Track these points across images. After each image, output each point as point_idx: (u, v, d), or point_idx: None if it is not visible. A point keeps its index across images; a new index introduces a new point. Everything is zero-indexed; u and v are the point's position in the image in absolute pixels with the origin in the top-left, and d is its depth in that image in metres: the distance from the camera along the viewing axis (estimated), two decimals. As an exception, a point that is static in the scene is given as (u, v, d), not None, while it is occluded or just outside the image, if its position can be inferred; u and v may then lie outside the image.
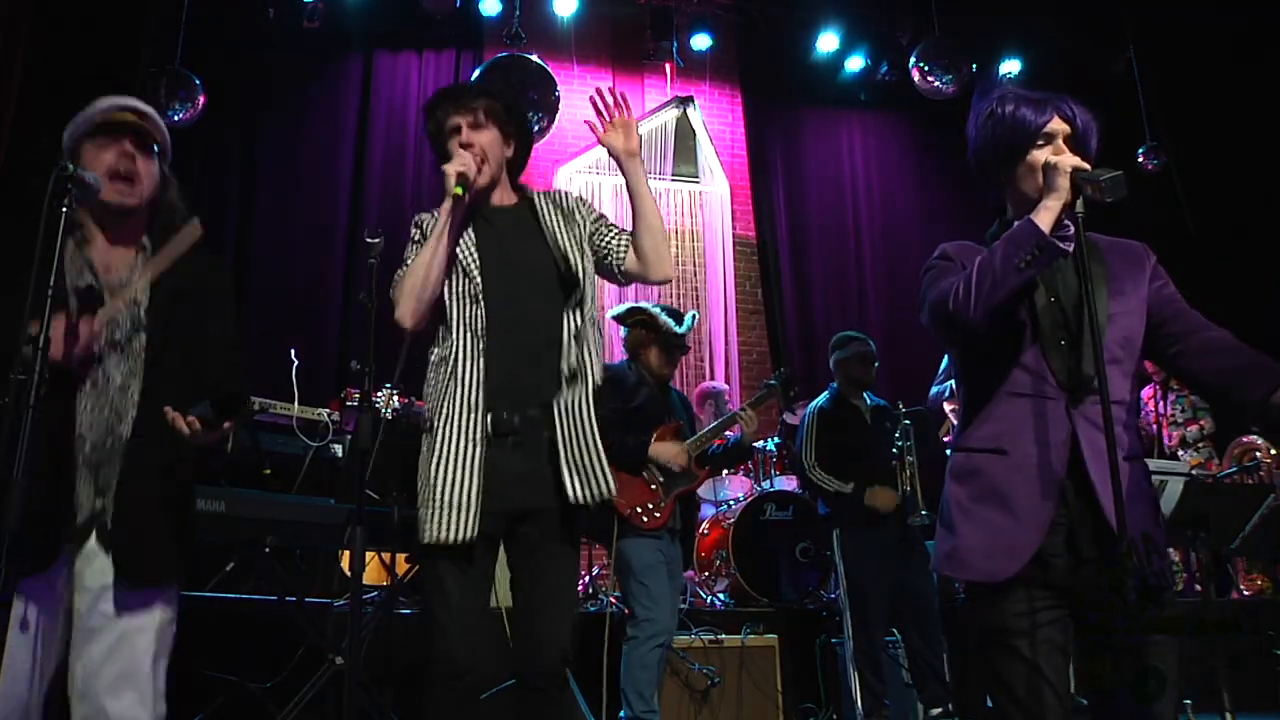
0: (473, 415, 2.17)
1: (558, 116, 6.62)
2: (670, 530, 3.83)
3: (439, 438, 2.17)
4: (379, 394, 3.51)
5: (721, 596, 5.21)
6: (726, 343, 7.20)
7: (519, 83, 6.37)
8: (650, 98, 7.54)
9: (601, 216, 2.43)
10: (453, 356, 2.20)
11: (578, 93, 7.32)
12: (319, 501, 3.48)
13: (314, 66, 6.83)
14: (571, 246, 2.32)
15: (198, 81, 5.95)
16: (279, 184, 6.60)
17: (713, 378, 6.98)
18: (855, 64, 7.66)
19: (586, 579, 5.13)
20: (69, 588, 1.92)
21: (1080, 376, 1.81)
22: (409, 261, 2.29)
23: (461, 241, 2.29)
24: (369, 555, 3.77)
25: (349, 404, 3.78)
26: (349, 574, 2.61)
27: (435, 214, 2.30)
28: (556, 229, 2.34)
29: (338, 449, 3.93)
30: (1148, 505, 1.85)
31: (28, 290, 1.69)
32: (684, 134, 7.39)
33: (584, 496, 2.18)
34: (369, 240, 2.49)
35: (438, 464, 2.15)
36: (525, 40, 6.66)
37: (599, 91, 2.37)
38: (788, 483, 5.66)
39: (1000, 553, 1.78)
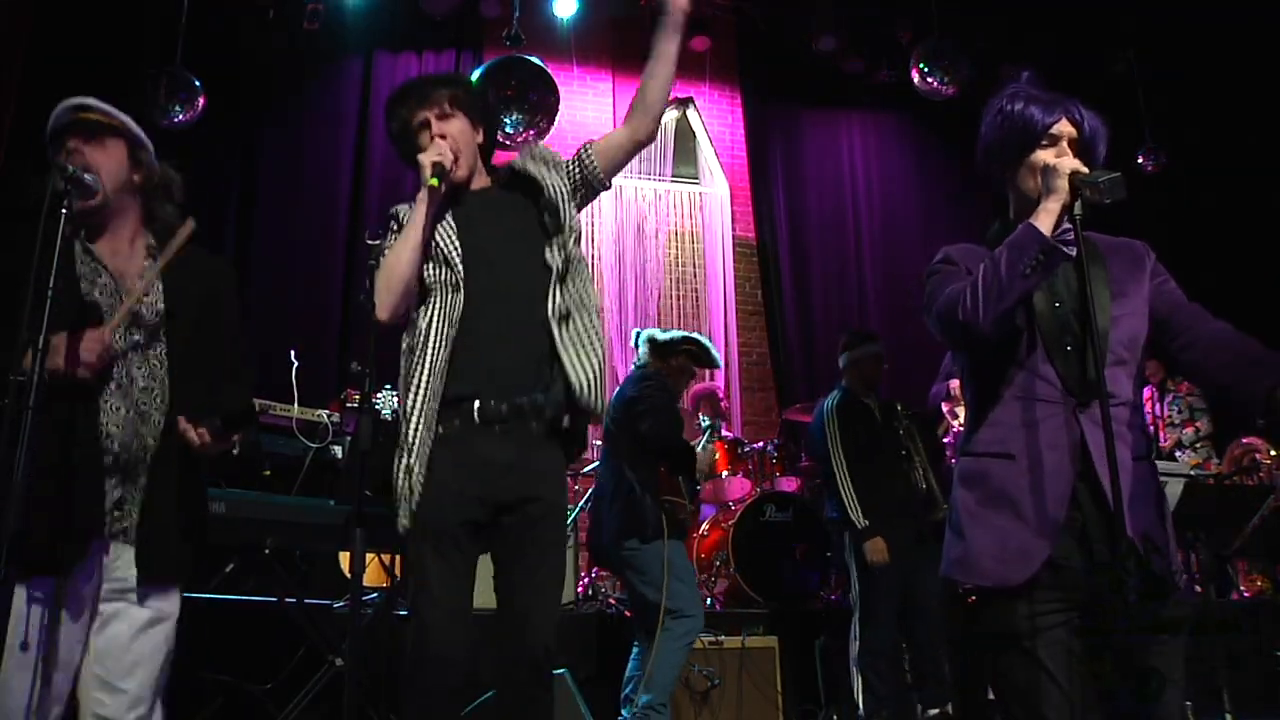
0: (441, 401, 2.12)
1: (558, 117, 6.61)
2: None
3: (413, 421, 2.11)
4: (379, 395, 3.51)
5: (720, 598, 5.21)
6: (726, 344, 7.19)
7: (518, 83, 6.36)
8: (650, 98, 7.52)
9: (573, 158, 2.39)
10: (426, 344, 2.15)
11: (577, 94, 7.34)
12: (319, 502, 3.49)
13: (314, 66, 6.82)
14: (560, 198, 2.28)
15: (198, 82, 5.94)
16: (279, 184, 6.59)
17: (711, 379, 6.98)
18: (855, 64, 7.64)
19: (587, 580, 5.13)
20: (93, 586, 1.92)
21: (1087, 381, 1.80)
22: (384, 255, 2.24)
23: (442, 230, 2.24)
24: (369, 556, 3.77)
25: (349, 405, 3.78)
26: (349, 575, 2.61)
27: (412, 205, 2.26)
28: (543, 175, 2.30)
29: (337, 450, 3.93)
30: (1156, 505, 1.84)
31: (28, 292, 1.68)
32: (683, 135, 7.38)
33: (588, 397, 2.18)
34: (369, 242, 2.48)
35: (411, 452, 2.10)
36: (525, 41, 6.65)
37: None
38: (788, 484, 5.66)
39: (1012, 557, 1.78)
